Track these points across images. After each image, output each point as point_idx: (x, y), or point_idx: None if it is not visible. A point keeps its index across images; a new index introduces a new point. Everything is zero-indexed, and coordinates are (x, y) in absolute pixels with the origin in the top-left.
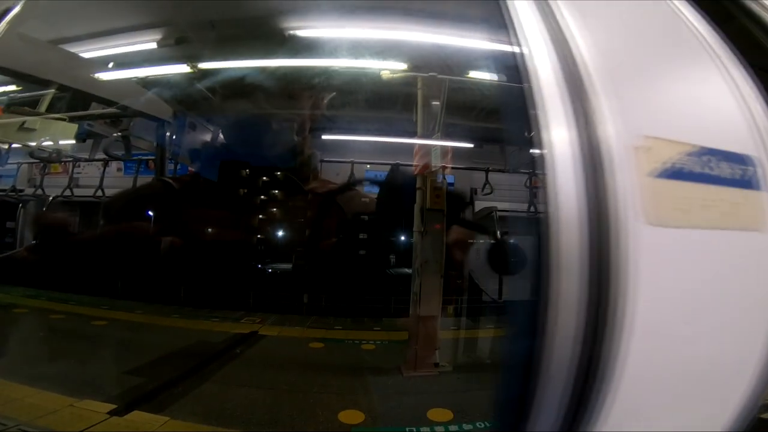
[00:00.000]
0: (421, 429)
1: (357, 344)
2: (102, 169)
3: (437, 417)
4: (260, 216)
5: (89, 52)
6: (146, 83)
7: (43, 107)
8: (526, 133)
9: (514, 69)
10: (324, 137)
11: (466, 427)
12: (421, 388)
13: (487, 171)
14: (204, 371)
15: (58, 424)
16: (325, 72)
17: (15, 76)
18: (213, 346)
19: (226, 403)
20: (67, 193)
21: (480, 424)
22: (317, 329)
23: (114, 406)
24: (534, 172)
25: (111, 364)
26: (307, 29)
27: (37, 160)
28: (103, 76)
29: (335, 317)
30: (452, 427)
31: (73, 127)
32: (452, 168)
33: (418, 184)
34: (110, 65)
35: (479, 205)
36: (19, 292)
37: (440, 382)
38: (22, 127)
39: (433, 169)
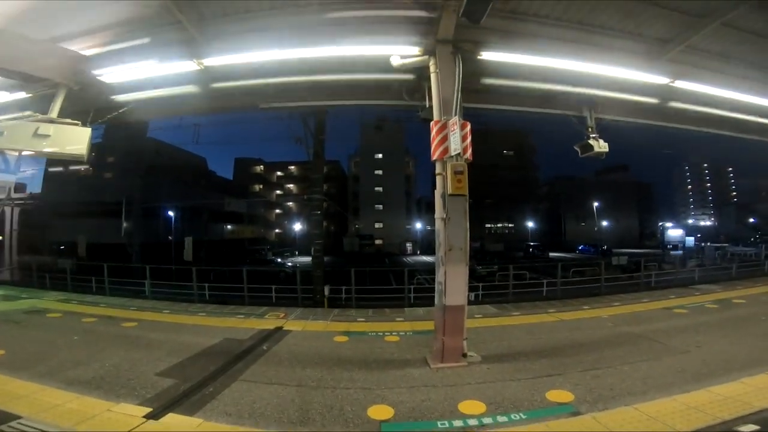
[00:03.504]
0: (454, 423)
1: (381, 336)
2: None
3: (469, 410)
4: (277, 211)
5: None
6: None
7: (54, 112)
8: None
9: None
10: None
11: (500, 419)
12: (450, 380)
13: None
14: (232, 370)
15: (97, 430)
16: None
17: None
18: (239, 343)
19: (256, 403)
20: None
21: (515, 416)
22: (340, 322)
23: (149, 410)
24: None
25: (142, 366)
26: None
27: None
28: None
29: (356, 309)
30: (486, 420)
31: (87, 132)
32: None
33: (438, 169)
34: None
35: None
36: (52, 297)
37: (470, 373)
38: (36, 134)
39: (453, 154)
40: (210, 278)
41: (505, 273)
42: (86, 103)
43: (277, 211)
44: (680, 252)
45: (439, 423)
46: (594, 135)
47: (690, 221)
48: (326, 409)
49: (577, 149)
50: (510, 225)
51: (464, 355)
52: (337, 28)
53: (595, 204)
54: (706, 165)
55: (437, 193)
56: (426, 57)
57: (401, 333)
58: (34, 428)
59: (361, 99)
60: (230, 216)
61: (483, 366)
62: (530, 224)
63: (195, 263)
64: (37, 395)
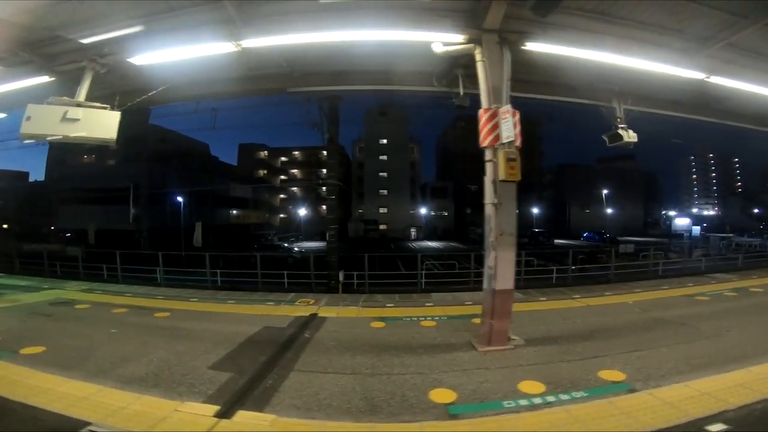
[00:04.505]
0: (519, 402)
1: (416, 321)
2: None
3: (530, 389)
4: (281, 196)
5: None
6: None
7: (81, 95)
8: None
9: None
10: None
11: (563, 397)
12: (502, 362)
13: None
14: (283, 360)
15: None
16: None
17: None
18: (280, 331)
19: (319, 394)
20: None
21: (576, 394)
22: (371, 308)
23: (217, 407)
24: None
25: (192, 359)
26: None
27: None
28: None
29: (382, 294)
30: (549, 398)
31: (116, 116)
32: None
33: (488, 156)
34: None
35: None
36: (74, 287)
37: (518, 355)
38: (65, 118)
39: (505, 141)
40: (219, 264)
41: (517, 259)
42: (112, 86)
43: (282, 196)
44: (687, 241)
45: (504, 403)
46: (623, 125)
47: (694, 210)
48: (389, 396)
49: (606, 138)
50: (515, 211)
51: (509, 339)
52: (379, 11)
53: (600, 192)
54: (711, 155)
55: (487, 179)
56: (471, 45)
57: (435, 318)
58: None
59: (392, 84)
60: (235, 201)
61: (529, 349)
62: (535, 211)
63: (204, 248)
64: (97, 397)
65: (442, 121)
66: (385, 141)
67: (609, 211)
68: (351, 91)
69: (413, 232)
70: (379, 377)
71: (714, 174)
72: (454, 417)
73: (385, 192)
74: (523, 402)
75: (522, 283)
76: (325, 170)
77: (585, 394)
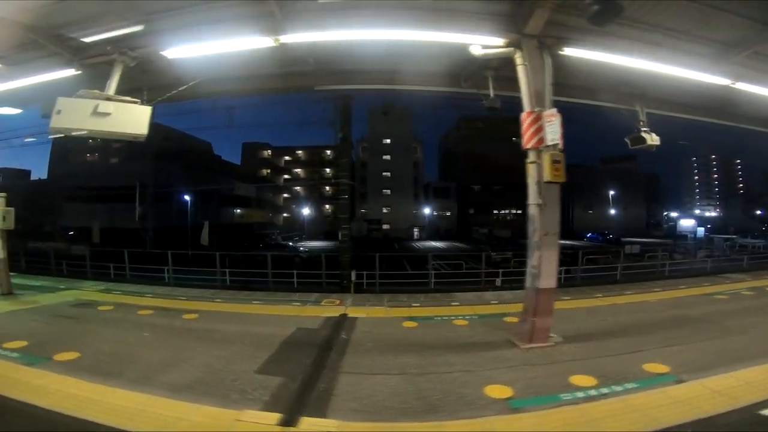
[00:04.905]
0: (576, 394)
1: (447, 320)
2: None
3: (582, 383)
4: (284, 195)
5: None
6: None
7: (111, 89)
8: None
9: None
10: None
11: (616, 388)
12: (547, 358)
13: None
14: (328, 362)
15: None
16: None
17: None
18: (314, 332)
19: (373, 396)
20: None
21: (628, 385)
22: (397, 308)
23: (279, 415)
24: None
25: (236, 364)
26: None
27: None
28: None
29: (392, 293)
30: (603, 390)
31: (148, 110)
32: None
33: (532, 158)
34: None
35: None
36: (90, 287)
37: (561, 352)
38: (96, 112)
39: (550, 144)
40: (225, 263)
41: (521, 260)
42: (139, 81)
43: (285, 195)
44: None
45: (561, 396)
46: (645, 129)
47: (697, 212)
48: (444, 394)
49: (628, 141)
50: (517, 211)
51: (549, 336)
52: (419, 12)
53: (603, 193)
54: (713, 156)
55: (531, 180)
56: (511, 49)
57: (466, 317)
58: None
59: (418, 85)
60: (240, 200)
61: (569, 345)
62: None
63: (210, 248)
64: (151, 408)
65: (444, 122)
66: (388, 141)
67: (612, 212)
68: (376, 90)
69: (416, 232)
70: (428, 376)
71: (716, 175)
72: (516, 411)
73: (388, 192)
74: (579, 394)
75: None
76: (328, 169)
77: (636, 385)
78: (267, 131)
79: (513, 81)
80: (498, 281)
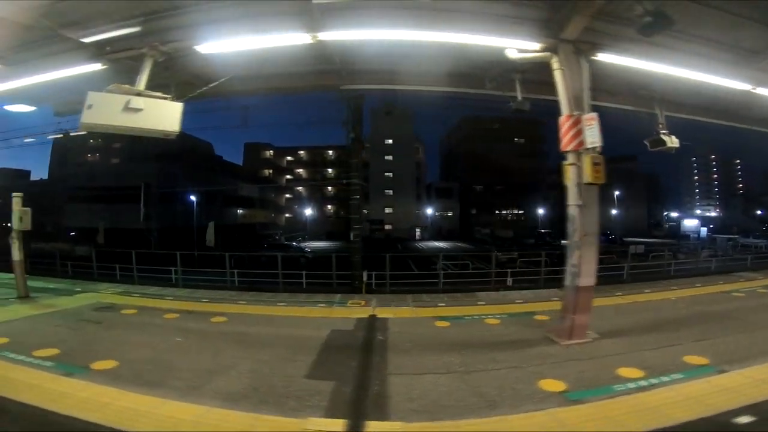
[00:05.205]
0: (627, 385)
1: (478, 319)
2: None
3: (629, 374)
4: (287, 196)
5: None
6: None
7: (141, 84)
8: None
9: None
10: None
11: (663, 379)
12: (590, 353)
13: None
14: (373, 364)
15: None
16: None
17: None
18: (350, 334)
19: (428, 395)
20: None
21: (674, 376)
22: (423, 308)
23: (344, 421)
24: None
25: (281, 369)
26: None
27: None
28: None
29: (404, 293)
30: (651, 380)
31: (179, 107)
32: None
33: (571, 160)
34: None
35: None
36: (107, 290)
37: (601, 347)
38: (127, 108)
39: (590, 146)
40: (231, 263)
41: (527, 260)
42: (166, 77)
43: (287, 195)
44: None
45: (614, 387)
46: (664, 131)
47: (698, 212)
48: (499, 390)
49: (647, 143)
50: (519, 212)
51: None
52: (455, 14)
53: (604, 193)
54: (713, 156)
55: (571, 182)
56: (547, 54)
57: (496, 315)
58: None
59: (443, 86)
60: (242, 201)
61: (606, 341)
62: (539, 211)
63: (215, 248)
64: (211, 421)
65: (445, 122)
66: (390, 141)
67: (613, 212)
68: (402, 90)
69: (418, 232)
70: (477, 374)
71: (716, 175)
72: (576, 402)
73: (390, 192)
74: (630, 385)
75: (542, 284)
76: (330, 170)
77: (681, 376)
78: (268, 131)
79: (539, 84)
80: (509, 281)
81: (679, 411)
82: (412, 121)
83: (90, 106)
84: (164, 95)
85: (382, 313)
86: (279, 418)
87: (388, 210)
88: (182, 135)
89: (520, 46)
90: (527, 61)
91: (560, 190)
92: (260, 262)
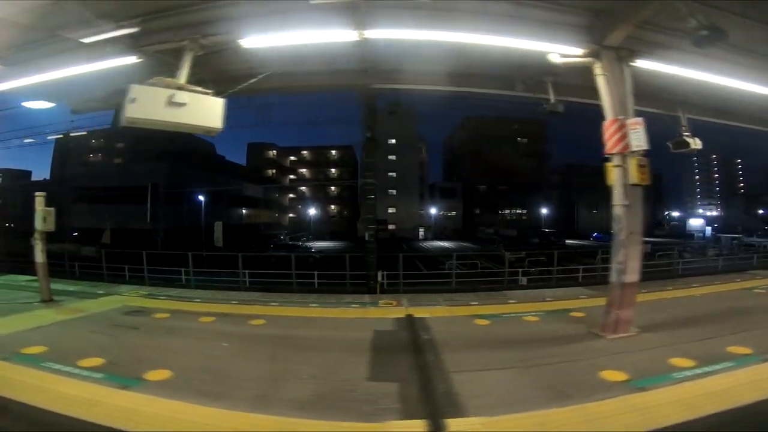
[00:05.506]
0: (683, 373)
1: (517, 317)
2: None
3: (682, 364)
4: (290, 196)
5: None
6: None
7: (182, 78)
8: None
9: None
10: None
11: (715, 367)
12: (638, 346)
13: None
14: (431, 363)
15: None
16: None
17: None
18: (393, 334)
19: (496, 390)
20: None
21: (726, 364)
22: (455, 306)
23: (422, 421)
24: None
25: (339, 372)
26: None
27: None
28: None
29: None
30: (705, 369)
31: (221, 103)
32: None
33: (617, 162)
34: None
35: None
36: (129, 292)
37: (645, 340)
38: (171, 102)
39: (636, 149)
40: (239, 264)
41: (534, 259)
42: (197, 72)
43: (290, 195)
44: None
45: (673, 375)
46: (687, 133)
47: (700, 211)
48: (566, 382)
49: (669, 145)
50: (522, 211)
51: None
52: (501, 18)
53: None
54: (714, 156)
55: (617, 182)
56: (590, 59)
57: (532, 313)
58: None
59: (473, 87)
60: (247, 201)
61: (648, 334)
62: (543, 211)
63: (221, 248)
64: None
65: (449, 121)
66: (393, 141)
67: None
68: (431, 91)
69: (421, 232)
70: (537, 368)
71: (717, 175)
72: (643, 389)
73: (393, 192)
74: (686, 373)
75: (554, 283)
76: (333, 170)
77: (732, 364)
78: (270, 131)
79: (570, 87)
80: (524, 280)
81: (745, 393)
82: (416, 121)
83: (133, 100)
84: (205, 90)
85: (418, 312)
86: (360, 423)
87: (391, 210)
88: (186, 135)
89: (562, 51)
90: (569, 66)
91: (561, 189)
92: (269, 262)
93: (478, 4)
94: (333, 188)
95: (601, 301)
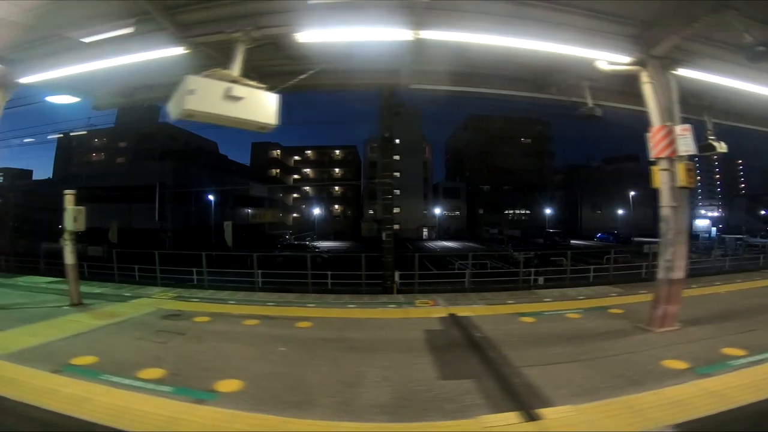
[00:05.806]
0: (738, 361)
1: (560, 314)
2: None
3: (733, 353)
4: (294, 195)
5: None
6: None
7: (236, 71)
8: None
9: None
10: None
11: (765, 356)
12: (687, 338)
13: None
14: (492, 360)
15: None
16: None
17: None
18: (443, 333)
19: (574, 381)
20: None
21: None
22: (490, 306)
23: (514, 413)
24: None
25: (409, 373)
26: None
27: None
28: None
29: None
30: (757, 357)
31: (275, 98)
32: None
33: (664, 166)
34: None
35: None
36: (158, 294)
37: (691, 333)
38: (228, 96)
39: (683, 154)
40: (248, 264)
41: (555, 259)
42: (251, 64)
43: (295, 195)
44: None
45: (730, 362)
46: (713, 137)
47: (702, 211)
48: (634, 372)
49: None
50: (527, 211)
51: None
52: (550, 25)
53: (610, 193)
54: (715, 156)
55: (664, 185)
56: (636, 68)
57: (573, 311)
58: None
59: (511, 90)
60: (253, 201)
61: (693, 328)
62: (547, 211)
63: (230, 248)
64: None
65: (453, 121)
66: (397, 140)
67: (620, 211)
68: (471, 93)
69: (425, 232)
70: (600, 360)
71: (718, 175)
72: (706, 376)
73: (397, 192)
74: (742, 361)
75: (568, 282)
76: (337, 169)
77: None
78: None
79: (606, 92)
80: (541, 280)
81: None
82: (420, 121)
83: (192, 92)
84: (260, 84)
85: (459, 312)
86: (454, 422)
87: (395, 210)
88: (189, 134)
89: (608, 59)
90: (617, 73)
91: (565, 190)
92: (277, 262)
93: (538, 13)
94: (336, 188)
95: (633, 299)
